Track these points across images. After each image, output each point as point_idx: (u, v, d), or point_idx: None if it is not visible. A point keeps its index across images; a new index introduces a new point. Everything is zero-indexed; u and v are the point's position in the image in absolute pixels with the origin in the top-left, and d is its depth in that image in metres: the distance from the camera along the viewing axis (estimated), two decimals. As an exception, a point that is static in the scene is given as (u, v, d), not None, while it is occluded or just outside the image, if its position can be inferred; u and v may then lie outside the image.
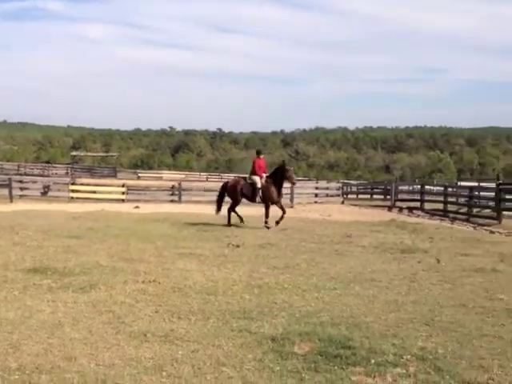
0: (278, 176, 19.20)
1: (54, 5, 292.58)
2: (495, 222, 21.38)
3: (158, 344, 6.21)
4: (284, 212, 19.08)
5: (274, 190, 19.09)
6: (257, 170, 19.55)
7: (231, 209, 19.78)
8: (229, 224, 19.02)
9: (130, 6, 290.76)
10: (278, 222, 18.61)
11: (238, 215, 19.60)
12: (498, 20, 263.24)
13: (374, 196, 36.40)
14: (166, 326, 6.86)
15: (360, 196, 38.45)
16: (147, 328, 6.77)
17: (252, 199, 19.79)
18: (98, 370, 5.44)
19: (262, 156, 20.17)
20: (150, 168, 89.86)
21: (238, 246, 13.51)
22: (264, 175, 19.33)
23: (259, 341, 6.32)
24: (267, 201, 19.15)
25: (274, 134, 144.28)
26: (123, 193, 32.22)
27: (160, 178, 57.68)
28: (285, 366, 5.58)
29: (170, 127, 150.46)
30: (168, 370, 5.44)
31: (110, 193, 33.11)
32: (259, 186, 19.25)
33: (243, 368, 5.52)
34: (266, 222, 18.62)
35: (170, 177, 58.78)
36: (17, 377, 5.22)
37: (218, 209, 20.32)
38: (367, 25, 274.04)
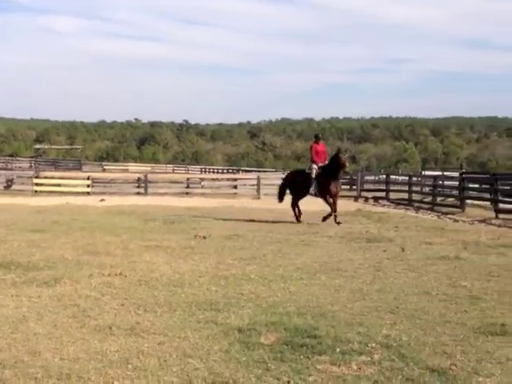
0: (335, 165, 17.02)
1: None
2: (459, 210, 21.73)
3: (124, 337, 6.17)
4: (334, 210, 17.06)
5: (331, 181, 17.07)
6: (315, 157, 17.68)
7: (294, 204, 18.19)
8: (298, 221, 17.77)
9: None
10: (324, 219, 16.89)
11: (296, 213, 18.02)
12: (462, 12, 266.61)
13: (340, 186, 36.63)
14: (132, 319, 6.83)
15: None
16: (113, 321, 6.72)
17: (305, 191, 17.83)
18: (63, 364, 5.38)
19: (320, 141, 18.29)
20: (116, 160, 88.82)
21: (204, 238, 13.48)
22: (320, 164, 17.44)
23: (226, 332, 6.33)
24: (325, 194, 17.20)
25: (240, 125, 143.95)
26: (88, 186, 31.90)
27: (126, 171, 57.31)
28: (251, 356, 5.60)
29: (136, 119, 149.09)
30: (134, 363, 5.41)
31: (75, 186, 32.75)
32: (313, 175, 17.37)
33: (209, 359, 5.52)
34: (335, 217, 16.86)
35: (136, 169, 58.35)
36: (-21, 373, 5.14)
37: (280, 199, 19.20)
38: (331, 16, 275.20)
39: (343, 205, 23.49)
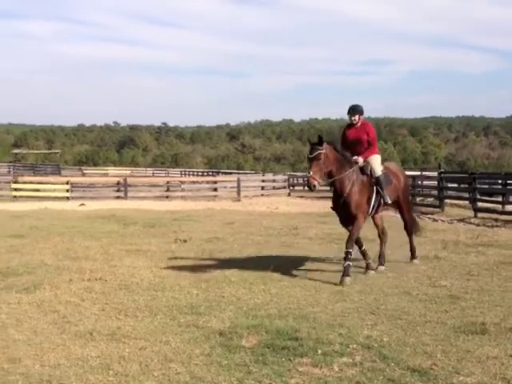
0: None
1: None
2: (438, 210, 21.88)
3: (105, 342, 6.14)
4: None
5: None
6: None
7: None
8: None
9: (66, 0, 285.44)
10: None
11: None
12: (437, 11, 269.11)
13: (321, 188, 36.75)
14: (113, 324, 6.80)
15: (306, 188, 38.75)
16: (93, 327, 6.69)
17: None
18: (43, 371, 5.34)
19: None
20: (95, 164, 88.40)
21: (185, 241, 13.46)
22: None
23: (207, 335, 6.32)
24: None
25: (219, 127, 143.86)
26: (68, 190, 31.64)
27: (106, 175, 56.98)
28: (232, 359, 5.60)
29: (115, 122, 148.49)
30: (115, 369, 5.39)
31: (53, 190, 32.46)
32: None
33: (191, 363, 5.52)
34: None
35: (115, 173, 58.04)
36: (-42, 382, 5.08)
37: None
38: (310, 17, 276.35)
39: (323, 206, 23.57)
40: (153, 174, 62.45)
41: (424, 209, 22.67)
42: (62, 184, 33.11)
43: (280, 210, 23.93)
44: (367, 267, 9.81)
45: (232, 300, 7.90)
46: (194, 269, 10.13)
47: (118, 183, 32.70)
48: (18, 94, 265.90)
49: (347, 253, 9.15)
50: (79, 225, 17.22)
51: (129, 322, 6.91)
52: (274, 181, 36.72)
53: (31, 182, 34.80)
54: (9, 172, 55.38)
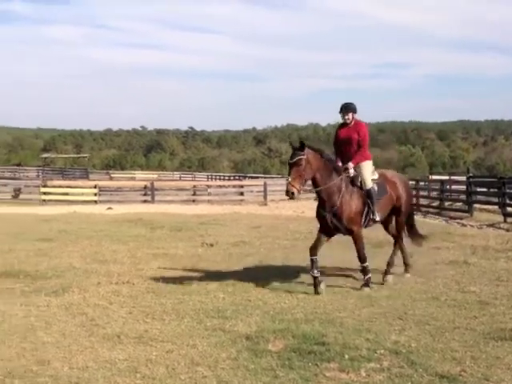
0: None
1: (22, 7, 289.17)
2: (466, 214, 21.61)
3: (132, 345, 6.18)
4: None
5: None
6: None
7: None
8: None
9: (97, 7, 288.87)
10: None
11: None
12: (466, 16, 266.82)
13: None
14: (140, 327, 6.84)
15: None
16: (121, 329, 6.73)
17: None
18: (72, 373, 5.40)
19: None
20: (123, 168, 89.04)
21: (211, 245, 13.49)
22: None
23: (233, 339, 6.33)
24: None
25: (246, 131, 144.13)
26: (95, 194, 31.96)
27: (133, 179, 57.35)
28: (259, 363, 5.59)
29: (142, 127, 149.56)
30: (142, 372, 5.42)
31: (82, 194, 32.82)
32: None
33: (218, 367, 5.52)
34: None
35: (142, 177, 58.46)
36: (-11, 383, 5.16)
37: None
38: (336, 21, 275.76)
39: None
40: (180, 177, 62.72)
41: (452, 213, 22.46)
42: (90, 188, 33.47)
43: (306, 214, 23.82)
44: (316, 284, 8.63)
45: (258, 304, 7.90)
46: (220, 273, 10.15)
47: (145, 187, 32.94)
48: (47, 98, 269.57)
49: (364, 268, 8.92)
50: (107, 228, 17.36)
51: (156, 325, 6.95)
52: (300, 185, 36.62)
53: (60, 186, 35.25)
54: (38, 176, 56.05)
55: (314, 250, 8.86)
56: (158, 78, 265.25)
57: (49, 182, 36.03)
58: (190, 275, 9.95)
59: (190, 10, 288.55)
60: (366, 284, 8.81)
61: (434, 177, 38.33)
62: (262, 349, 5.98)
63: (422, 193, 27.82)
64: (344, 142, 9.17)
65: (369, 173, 9.08)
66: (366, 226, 9.27)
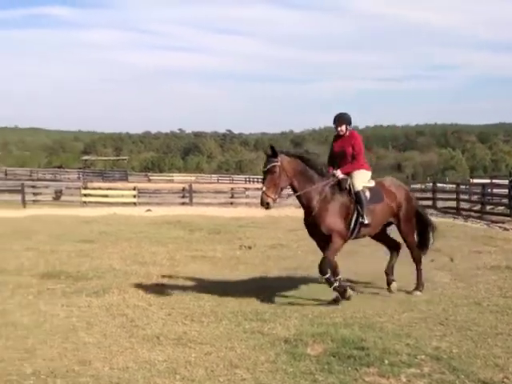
0: None
1: (61, 11, 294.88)
2: (508, 218, 21.22)
3: (171, 347, 6.23)
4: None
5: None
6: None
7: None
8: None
9: (135, 11, 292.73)
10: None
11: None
12: (505, 17, 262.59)
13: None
14: (179, 329, 6.88)
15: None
16: (160, 331, 6.79)
17: None
18: (112, 373, 5.46)
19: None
20: (161, 171, 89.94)
21: (249, 248, 13.51)
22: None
23: (272, 342, 6.32)
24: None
25: (283, 134, 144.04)
26: (135, 196, 32.29)
27: (171, 181, 57.81)
28: (298, 367, 5.58)
29: (180, 129, 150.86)
30: (181, 373, 5.46)
31: (121, 196, 33.18)
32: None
33: (256, 370, 5.52)
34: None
35: (180, 179, 58.83)
36: (32, 381, 5.25)
37: None
38: (373, 23, 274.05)
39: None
40: (217, 180, 63.03)
41: (494, 217, 22.08)
42: (130, 190, 33.82)
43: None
44: (339, 296, 8.13)
45: (297, 307, 7.87)
46: (258, 275, 10.15)
47: (184, 189, 33.15)
48: (87, 102, 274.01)
49: (327, 280, 8.05)
50: (146, 230, 17.51)
51: (194, 327, 6.98)
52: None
53: (100, 188, 35.69)
54: (79, 178, 56.87)
55: (334, 270, 8.33)
56: (195, 81, 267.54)
57: (89, 184, 36.51)
58: (228, 277, 9.98)
59: (224, 13, 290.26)
60: (342, 295, 8.02)
61: (475, 180, 37.79)
62: (300, 352, 5.96)
63: (462, 196, 27.43)
64: (339, 155, 8.65)
65: (361, 179, 8.48)
66: (355, 237, 8.51)
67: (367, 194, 8.42)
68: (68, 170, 67.22)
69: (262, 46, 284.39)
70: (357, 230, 8.35)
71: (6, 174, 55.73)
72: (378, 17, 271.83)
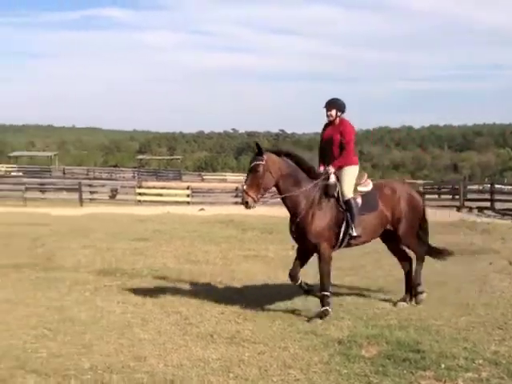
0: None
1: (118, 13, 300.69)
2: None
3: (225, 345, 6.25)
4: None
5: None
6: None
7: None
8: None
9: (189, 12, 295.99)
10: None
11: None
12: None
13: (442, 196, 35.62)
14: (232, 328, 6.90)
15: (427, 196, 37.70)
16: (214, 329, 6.82)
17: None
18: (167, 370, 5.51)
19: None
20: (214, 170, 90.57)
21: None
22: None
23: (325, 343, 6.27)
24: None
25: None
26: (188, 195, 32.59)
27: (224, 180, 58.12)
28: (352, 369, 5.52)
29: (233, 129, 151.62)
30: (235, 372, 5.47)
31: (175, 195, 33.53)
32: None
33: (310, 370, 5.49)
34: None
35: (233, 179, 59.02)
36: (89, 376, 5.34)
37: None
38: (428, 21, 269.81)
39: (445, 215, 22.88)
40: (270, 180, 62.87)
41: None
42: (183, 189, 34.15)
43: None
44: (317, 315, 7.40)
45: (350, 308, 7.79)
46: (311, 276, 10.09)
47: (237, 189, 33.26)
48: (142, 102, 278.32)
49: (323, 297, 7.51)
50: (199, 229, 17.65)
51: (248, 326, 6.99)
52: (392, 188, 36.04)
53: (154, 187, 36.15)
54: (134, 177, 57.71)
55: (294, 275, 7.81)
56: (249, 81, 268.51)
57: (144, 183, 37.02)
58: (280, 277, 9.95)
59: (278, 13, 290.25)
60: (319, 315, 7.34)
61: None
62: (354, 354, 5.90)
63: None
64: (327, 143, 8.02)
65: (350, 181, 7.77)
66: (344, 246, 7.86)
67: (359, 200, 7.72)
68: (123, 169, 68.24)
69: (316, 46, 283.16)
70: (346, 241, 7.71)
71: (64, 173, 56.90)
72: (436, 15, 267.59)
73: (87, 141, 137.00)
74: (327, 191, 7.65)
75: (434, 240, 13.98)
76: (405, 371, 5.44)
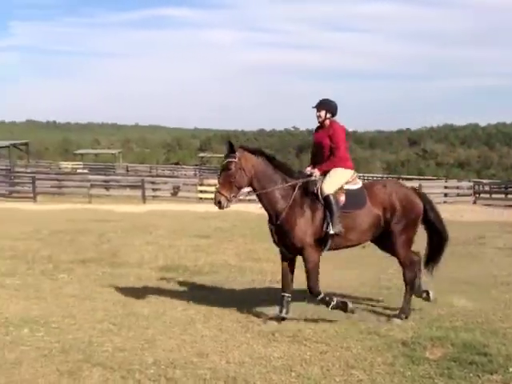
0: None
1: (180, 12, 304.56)
2: None
3: (287, 344, 6.24)
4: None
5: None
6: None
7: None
8: None
9: (249, 10, 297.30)
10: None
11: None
12: None
13: (509, 195, 34.65)
14: (294, 326, 6.87)
15: (494, 196, 36.71)
16: (275, 327, 6.81)
17: None
18: (229, 367, 5.54)
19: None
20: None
21: (363, 247, 13.27)
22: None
23: (389, 344, 6.18)
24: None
25: (399, 132, 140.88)
26: (248, 193, 32.65)
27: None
28: (416, 371, 5.43)
29: (294, 127, 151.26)
30: (297, 370, 5.45)
31: (236, 193, 33.62)
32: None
33: (373, 371, 5.42)
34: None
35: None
36: (152, 371, 5.42)
37: None
38: (493, 17, 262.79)
39: (510, 214, 22.23)
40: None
41: None
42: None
43: (465, 218, 22.85)
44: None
45: (414, 309, 7.64)
46: (374, 275, 9.99)
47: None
48: (204, 100, 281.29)
49: (322, 299, 7.20)
50: (259, 226, 17.64)
51: (309, 325, 6.95)
52: (457, 188, 35.18)
53: (215, 185, 36.33)
54: (195, 175, 58.32)
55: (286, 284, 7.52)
56: (311, 79, 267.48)
57: (205, 181, 37.31)
58: (343, 277, 9.89)
59: (341, 10, 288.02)
60: (345, 309, 7.09)
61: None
62: (418, 356, 5.80)
63: None
64: (317, 147, 7.58)
65: (334, 180, 7.28)
66: (333, 248, 7.42)
67: (342, 198, 7.23)
68: (185, 167, 69.07)
69: (378, 43, 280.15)
70: (330, 241, 7.21)
71: (127, 170, 58.01)
72: (496, 11, 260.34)
73: (150, 139, 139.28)
74: (307, 188, 7.25)
75: (504, 239, 13.64)
76: (471, 374, 5.31)
